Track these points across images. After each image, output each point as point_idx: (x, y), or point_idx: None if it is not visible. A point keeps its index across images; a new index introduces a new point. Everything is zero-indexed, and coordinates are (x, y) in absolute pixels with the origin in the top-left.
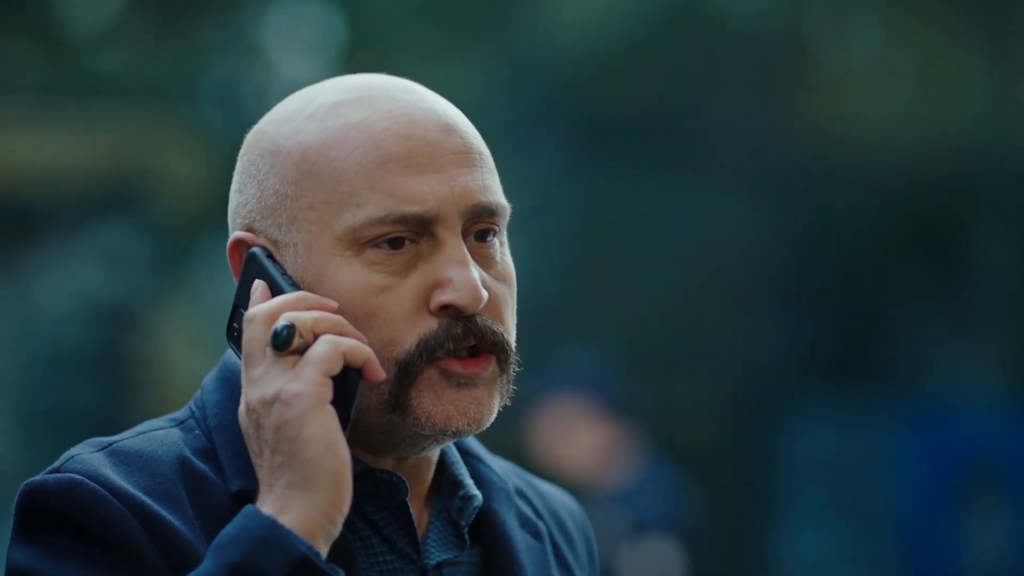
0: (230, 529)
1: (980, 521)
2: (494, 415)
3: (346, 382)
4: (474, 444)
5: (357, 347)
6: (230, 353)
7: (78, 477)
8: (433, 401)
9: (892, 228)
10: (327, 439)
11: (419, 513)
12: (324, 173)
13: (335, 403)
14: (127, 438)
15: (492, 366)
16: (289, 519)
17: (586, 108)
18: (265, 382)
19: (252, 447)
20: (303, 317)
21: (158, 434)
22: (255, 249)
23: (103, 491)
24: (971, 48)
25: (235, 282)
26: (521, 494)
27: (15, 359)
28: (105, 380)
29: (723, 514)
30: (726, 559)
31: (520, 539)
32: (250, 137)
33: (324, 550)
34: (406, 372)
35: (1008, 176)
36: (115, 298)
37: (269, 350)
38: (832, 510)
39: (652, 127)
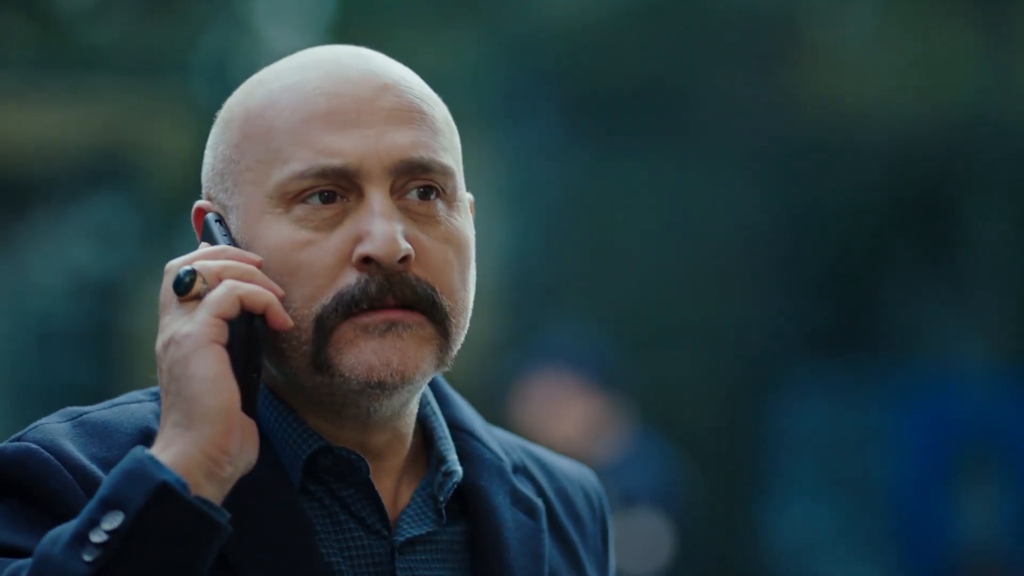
0: (112, 470)
1: (974, 494)
2: (423, 371)
3: (251, 329)
4: (468, 418)
5: (256, 291)
6: None
7: (33, 446)
8: (354, 355)
9: (886, 202)
10: (210, 376)
11: (396, 489)
12: (259, 133)
13: (235, 348)
14: (100, 409)
15: (419, 319)
16: (167, 455)
17: (580, 82)
18: (168, 328)
19: (160, 394)
20: (209, 264)
21: (131, 407)
22: (208, 215)
23: (55, 461)
24: (966, 22)
25: None
26: (523, 470)
27: (6, 333)
28: (96, 354)
29: (716, 489)
30: (719, 534)
31: (509, 516)
32: (219, 112)
33: (209, 488)
34: (322, 326)
35: (1003, 150)
36: (106, 272)
37: (175, 297)
38: (825, 484)
39: (646, 102)
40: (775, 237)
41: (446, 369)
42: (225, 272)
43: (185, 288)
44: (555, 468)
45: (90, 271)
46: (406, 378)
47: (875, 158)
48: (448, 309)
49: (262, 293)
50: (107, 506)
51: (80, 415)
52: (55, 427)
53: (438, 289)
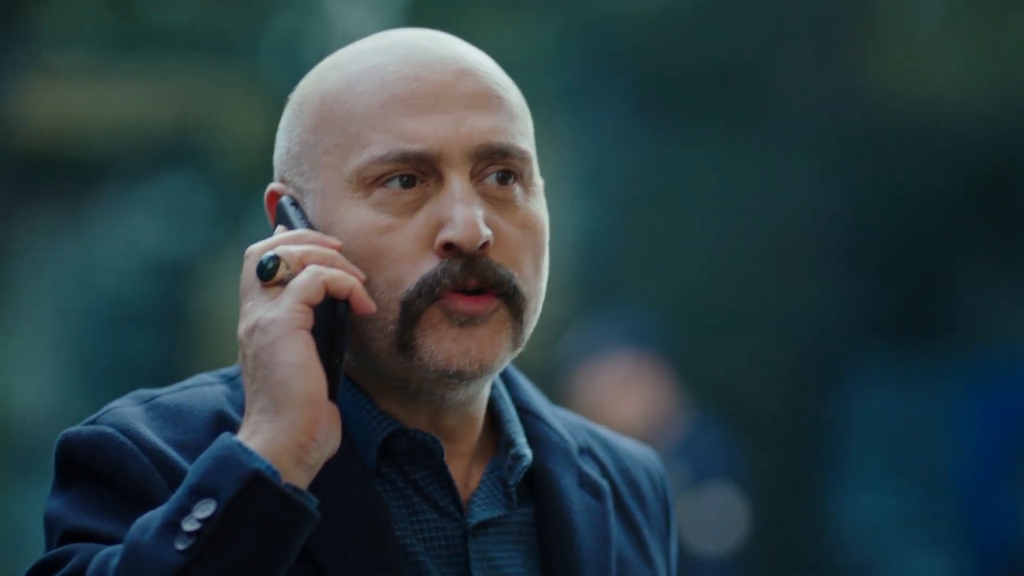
0: (201, 455)
1: None
2: (501, 359)
3: (335, 315)
4: (535, 400)
5: (340, 276)
6: None
7: (110, 430)
8: (435, 341)
9: (956, 188)
10: (297, 363)
11: (467, 471)
12: (337, 117)
13: (320, 334)
14: (172, 392)
15: (496, 306)
16: (256, 442)
17: (651, 67)
18: (251, 313)
19: (243, 379)
20: (291, 249)
21: (203, 389)
22: (282, 198)
23: (132, 445)
24: None
25: None
26: (588, 452)
27: (77, 312)
28: (165, 334)
29: (783, 474)
30: (785, 519)
31: (577, 499)
32: (291, 94)
33: (297, 475)
34: (408, 311)
35: None
36: (176, 252)
37: (257, 282)
38: (892, 471)
39: (716, 87)
40: (843, 223)
41: (520, 351)
42: (308, 257)
43: (269, 274)
44: (619, 448)
45: (160, 251)
46: (484, 367)
47: (944, 144)
48: (524, 293)
49: (346, 278)
50: (198, 494)
51: (152, 398)
52: (129, 410)
53: (515, 274)
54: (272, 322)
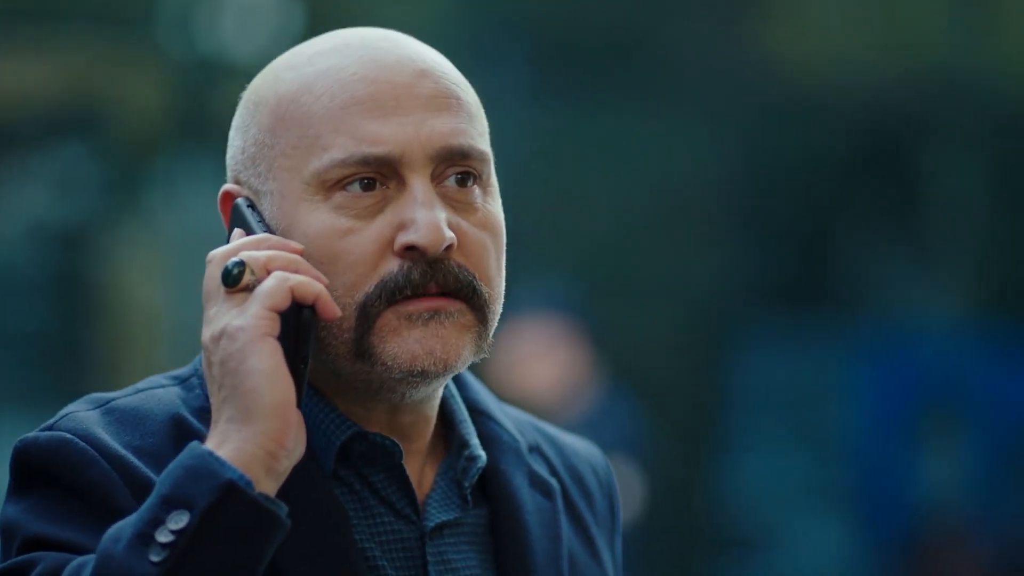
0: (170, 465)
1: (935, 449)
2: (464, 359)
3: (300, 320)
4: (485, 400)
5: (306, 282)
6: None
7: (69, 436)
8: (397, 343)
9: (849, 157)
10: (266, 370)
11: (421, 472)
12: (295, 119)
13: (286, 340)
14: (126, 395)
15: (460, 307)
16: (226, 451)
17: (548, 33)
18: (216, 319)
19: (208, 386)
20: (256, 255)
21: (157, 392)
22: (238, 200)
23: (92, 451)
24: None
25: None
26: (536, 450)
27: None
28: (59, 304)
29: (679, 440)
30: (682, 485)
31: (528, 499)
32: (244, 93)
33: (267, 483)
34: (365, 314)
35: (966, 106)
36: (70, 222)
37: (222, 288)
38: (786, 437)
39: (613, 54)
40: (738, 190)
41: (484, 356)
42: (272, 263)
43: (234, 280)
44: (565, 446)
45: (56, 221)
46: (448, 366)
47: (839, 113)
48: (487, 296)
49: (312, 284)
50: (171, 505)
51: (107, 402)
52: (86, 415)
53: (477, 276)
54: (240, 329)
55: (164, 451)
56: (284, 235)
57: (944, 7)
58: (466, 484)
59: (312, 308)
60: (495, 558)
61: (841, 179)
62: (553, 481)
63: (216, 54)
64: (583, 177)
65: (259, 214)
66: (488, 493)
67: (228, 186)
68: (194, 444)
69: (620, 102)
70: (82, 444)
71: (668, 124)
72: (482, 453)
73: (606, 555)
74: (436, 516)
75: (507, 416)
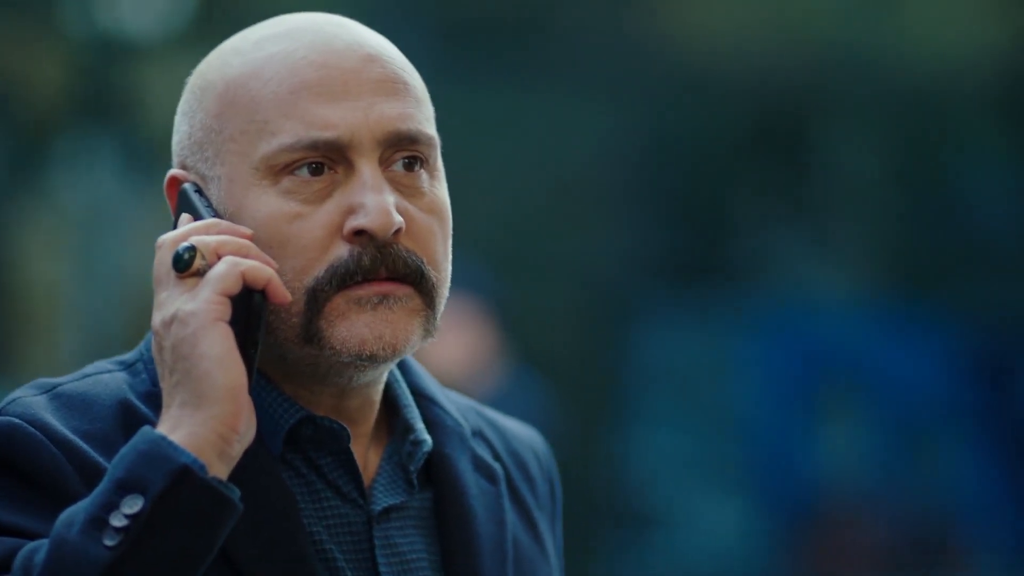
0: (123, 449)
1: (832, 425)
2: (412, 344)
3: (251, 305)
4: (429, 385)
5: (257, 267)
6: None
7: (16, 420)
8: (346, 327)
9: (744, 132)
10: (218, 355)
11: (366, 456)
12: (243, 103)
13: (237, 324)
14: (72, 381)
15: (408, 291)
16: (178, 436)
17: (445, 12)
18: (167, 304)
19: (159, 371)
20: (206, 240)
21: (103, 377)
22: (185, 185)
23: (40, 435)
24: None
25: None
26: (479, 435)
27: None
28: None
29: (578, 417)
30: (581, 461)
31: (473, 483)
32: (190, 77)
33: (220, 467)
34: (314, 299)
35: (861, 79)
36: None
37: (172, 273)
38: (683, 413)
39: (510, 32)
40: (636, 168)
41: (432, 340)
42: (223, 247)
43: (185, 264)
44: (506, 430)
45: None
46: (397, 351)
47: (734, 89)
48: (435, 280)
49: (262, 268)
50: (124, 489)
51: (54, 387)
52: (33, 400)
53: (425, 261)
54: (191, 314)
55: (112, 436)
56: (232, 220)
57: None
58: (412, 468)
59: (263, 293)
60: (440, 542)
61: (737, 155)
62: (496, 465)
63: (115, 33)
64: (483, 156)
65: (206, 199)
66: (433, 477)
67: (174, 171)
68: (146, 429)
69: (519, 80)
70: (30, 429)
71: (567, 102)
72: (427, 437)
73: (548, 538)
74: (382, 500)
75: (450, 401)
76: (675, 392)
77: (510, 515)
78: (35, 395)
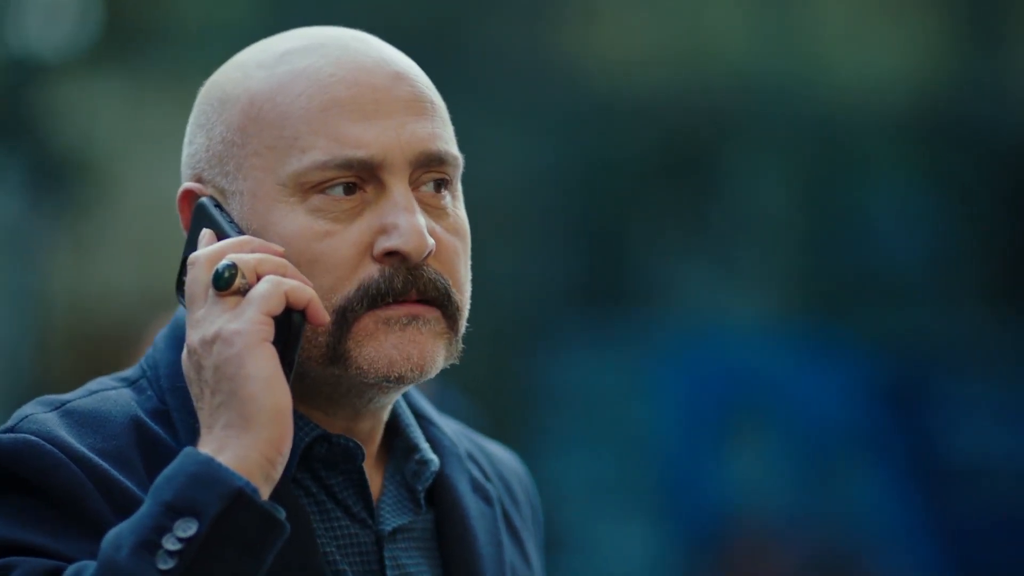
0: (167, 471)
1: (741, 450)
2: (438, 366)
3: (290, 324)
4: (426, 406)
5: (300, 287)
6: (182, 310)
7: (33, 439)
8: (374, 348)
9: (651, 157)
10: (266, 377)
11: (371, 476)
12: (270, 119)
13: (277, 345)
14: (79, 398)
15: (436, 314)
16: (226, 457)
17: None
18: (207, 323)
19: (193, 390)
20: (246, 258)
21: (110, 394)
22: (203, 199)
23: (59, 454)
24: None
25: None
26: (471, 457)
27: None
28: None
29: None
30: None
31: (473, 505)
32: (202, 89)
33: (265, 489)
34: (344, 318)
35: (767, 106)
36: None
37: (211, 291)
38: (591, 438)
39: (422, 52)
40: (541, 191)
41: (454, 362)
42: (262, 266)
43: (226, 283)
44: (492, 454)
45: None
46: (424, 372)
47: (641, 115)
48: (459, 303)
49: (305, 289)
50: (175, 511)
51: (62, 404)
52: (46, 417)
53: (451, 283)
54: (236, 333)
55: (128, 453)
56: (257, 235)
57: (744, 11)
58: (419, 488)
59: (302, 313)
60: (444, 563)
61: (644, 181)
62: (490, 487)
63: (22, 52)
64: None
65: (227, 214)
66: (435, 498)
67: (190, 184)
68: (190, 450)
69: None
70: (48, 447)
71: (474, 126)
72: (434, 457)
73: (535, 559)
74: (391, 520)
75: (445, 423)
76: (585, 416)
77: (505, 536)
78: (45, 412)
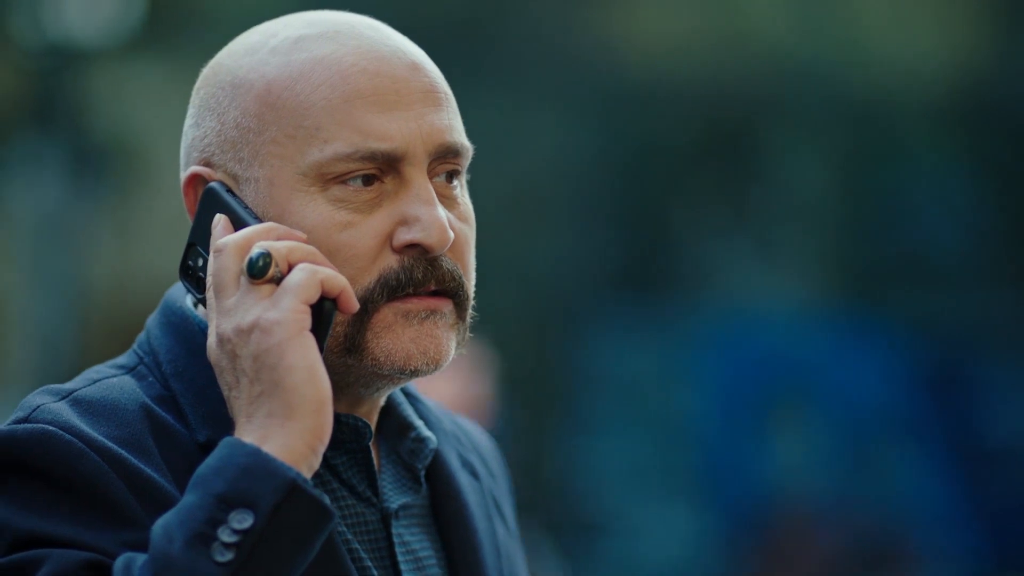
0: (211, 461)
1: (781, 434)
2: (451, 357)
3: (320, 312)
4: (410, 385)
5: (334, 276)
6: (172, 294)
7: (52, 428)
8: (392, 340)
9: (692, 142)
10: (308, 366)
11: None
12: (290, 107)
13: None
14: (84, 386)
15: (450, 306)
16: (272, 448)
17: (398, 16)
18: (241, 311)
19: (226, 378)
20: (278, 246)
21: (113, 382)
22: (214, 184)
23: (79, 443)
24: None
25: (188, 219)
26: (454, 434)
27: None
28: None
29: (527, 425)
30: (531, 469)
31: (464, 479)
32: (207, 71)
33: (310, 478)
34: (363, 308)
35: (807, 89)
36: None
37: (244, 279)
38: (633, 422)
39: (457, 39)
40: (585, 176)
41: (462, 352)
42: (293, 255)
43: (260, 271)
44: (468, 430)
45: None
46: (439, 365)
47: (682, 100)
48: (469, 293)
49: (338, 277)
50: (228, 503)
51: (69, 393)
52: (58, 406)
53: (464, 273)
54: (276, 323)
55: (143, 441)
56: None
57: None
58: (420, 467)
59: (333, 301)
60: (442, 538)
61: (685, 165)
62: (475, 460)
63: (64, 40)
64: None
65: (241, 200)
66: (429, 474)
67: (198, 168)
68: (234, 440)
69: (469, 89)
70: (68, 436)
71: (517, 112)
72: (430, 435)
73: (514, 528)
74: (395, 498)
75: (427, 399)
76: (625, 401)
77: (492, 508)
78: (56, 402)
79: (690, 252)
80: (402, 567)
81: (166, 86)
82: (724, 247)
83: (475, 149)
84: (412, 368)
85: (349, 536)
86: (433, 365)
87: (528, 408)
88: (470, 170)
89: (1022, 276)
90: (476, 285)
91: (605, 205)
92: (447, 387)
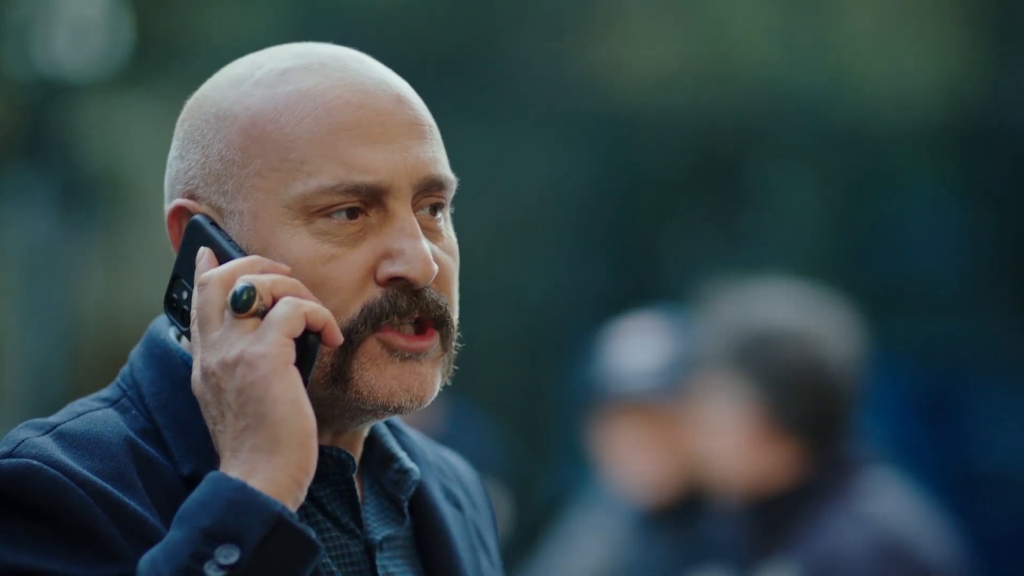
0: (197, 496)
1: None
2: (436, 393)
3: (305, 345)
4: (394, 416)
5: (318, 309)
6: (155, 326)
7: (37, 463)
8: (375, 375)
9: (682, 167)
10: (293, 400)
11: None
12: (274, 140)
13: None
14: (68, 420)
15: (436, 342)
16: (257, 482)
17: (384, 47)
18: (226, 345)
19: (211, 412)
20: (262, 279)
21: (97, 415)
22: (198, 217)
23: (64, 478)
24: None
25: (172, 252)
26: (437, 465)
27: None
28: None
29: (516, 451)
30: (519, 495)
31: (447, 511)
32: (191, 103)
33: (294, 511)
34: (349, 340)
35: (795, 116)
36: None
37: (228, 313)
38: None
39: (451, 67)
40: (573, 201)
41: (447, 384)
42: (277, 288)
43: (244, 305)
44: (451, 462)
45: None
46: (423, 402)
47: (672, 126)
48: (453, 325)
49: (322, 310)
50: (214, 537)
51: (53, 427)
52: (43, 441)
53: (448, 304)
54: (260, 356)
55: (127, 474)
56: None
57: (773, 23)
58: (403, 498)
59: (318, 334)
60: (425, 569)
61: (675, 192)
62: (458, 491)
63: (53, 73)
64: None
65: (225, 233)
66: (412, 506)
67: (182, 201)
68: (219, 475)
69: (461, 115)
70: (52, 471)
71: (505, 138)
72: (414, 466)
73: (497, 561)
74: (379, 530)
75: (409, 430)
76: None
77: (475, 540)
78: (40, 435)
79: (679, 275)
80: None
81: (154, 119)
82: (713, 271)
83: (468, 177)
84: (395, 405)
85: (334, 568)
86: (417, 402)
87: (518, 432)
88: (462, 199)
89: (1014, 302)
90: (468, 311)
91: (597, 232)
92: None
